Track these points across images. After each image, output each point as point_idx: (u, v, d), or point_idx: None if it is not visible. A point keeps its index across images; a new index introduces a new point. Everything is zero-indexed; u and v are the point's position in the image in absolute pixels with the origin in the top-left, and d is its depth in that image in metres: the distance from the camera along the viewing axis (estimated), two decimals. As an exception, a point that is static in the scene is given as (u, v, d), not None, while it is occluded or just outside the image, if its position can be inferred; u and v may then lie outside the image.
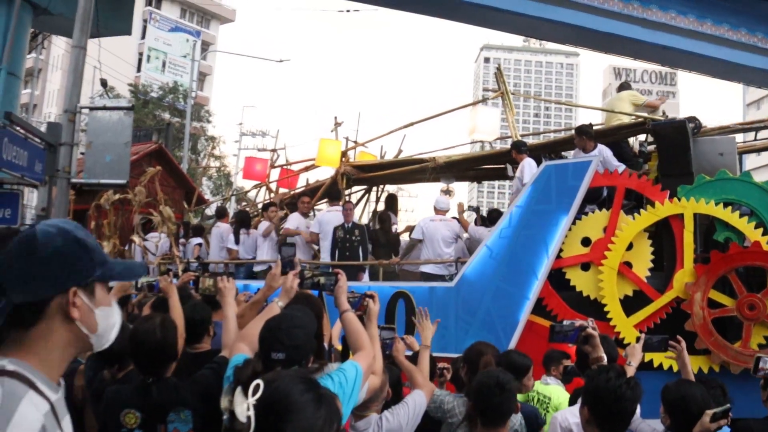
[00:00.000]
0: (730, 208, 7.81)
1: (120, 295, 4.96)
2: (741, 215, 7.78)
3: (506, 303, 8.44)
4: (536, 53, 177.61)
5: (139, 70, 55.14)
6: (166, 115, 40.02)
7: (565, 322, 4.03)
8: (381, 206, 12.33)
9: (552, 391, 6.28)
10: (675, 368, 7.51)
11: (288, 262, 4.41)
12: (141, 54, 56.58)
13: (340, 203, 10.56)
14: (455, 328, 8.71)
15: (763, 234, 7.62)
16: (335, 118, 11.39)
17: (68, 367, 4.37)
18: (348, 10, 28.79)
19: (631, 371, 4.19)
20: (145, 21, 56.53)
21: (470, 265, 8.79)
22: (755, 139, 10.07)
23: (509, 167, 9.88)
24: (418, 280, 9.97)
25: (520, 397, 5.57)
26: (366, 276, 10.22)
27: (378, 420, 3.84)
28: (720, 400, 4.36)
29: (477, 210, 11.60)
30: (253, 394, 2.04)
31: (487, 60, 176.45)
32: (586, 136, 9.12)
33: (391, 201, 11.84)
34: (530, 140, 11.10)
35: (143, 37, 56.29)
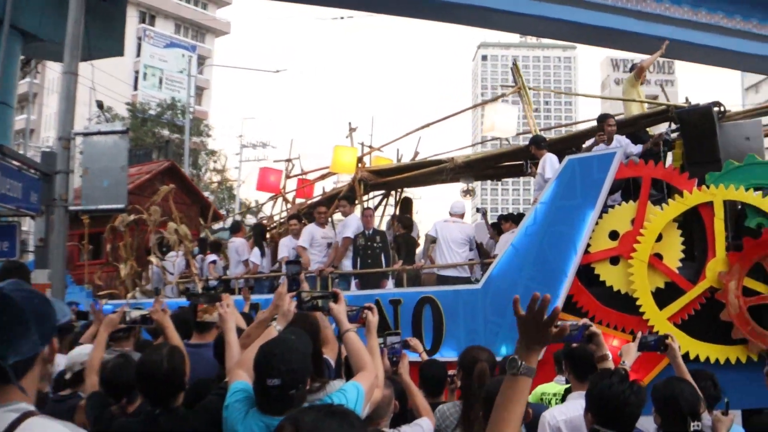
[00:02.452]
0: (760, 193, 7.85)
1: (110, 330, 4.92)
2: (773, 199, 7.82)
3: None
4: (533, 48, 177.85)
5: (135, 88, 55.33)
6: (166, 132, 40.14)
7: (568, 322, 4.07)
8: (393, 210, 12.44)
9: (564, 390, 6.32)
10: (701, 357, 7.65)
11: (293, 280, 4.51)
12: (137, 72, 56.77)
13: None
14: (484, 331, 8.75)
15: (795, 218, 7.66)
16: (349, 123, 11.52)
17: (68, 403, 4.50)
18: (342, 17, 28.90)
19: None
20: (139, 39, 56.77)
21: (496, 265, 8.86)
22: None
23: (527, 163, 9.96)
24: (434, 283, 10.05)
25: (531, 398, 5.63)
26: (390, 283, 10.30)
27: None
28: (711, 392, 4.50)
29: (484, 212, 11.67)
30: None
31: (484, 58, 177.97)
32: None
33: (407, 204, 11.93)
34: (551, 135, 11.16)
35: (138, 54, 56.56)
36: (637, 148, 9.13)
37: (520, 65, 11.38)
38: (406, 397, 4.80)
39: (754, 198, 7.83)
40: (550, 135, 11.00)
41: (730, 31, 22.17)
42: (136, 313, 5.17)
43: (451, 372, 5.67)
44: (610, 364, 3.83)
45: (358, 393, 3.35)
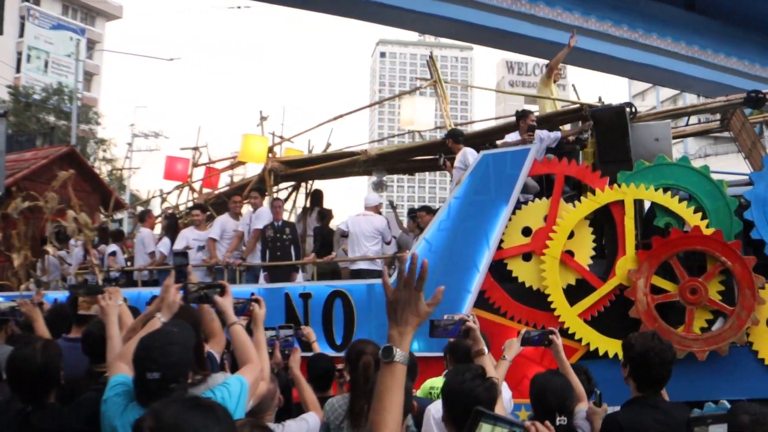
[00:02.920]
0: (669, 193, 8.03)
1: None
2: (680, 200, 8.01)
3: (447, 298, 8.25)
4: (431, 47, 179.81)
5: (18, 70, 52.30)
6: (52, 119, 38.40)
7: (445, 317, 4.06)
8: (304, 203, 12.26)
9: None
10: (610, 353, 7.76)
11: (180, 272, 4.50)
12: (20, 54, 53.49)
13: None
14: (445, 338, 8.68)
15: (702, 218, 7.86)
16: (260, 112, 11.24)
17: None
18: (239, 7, 28.48)
19: (504, 365, 4.25)
20: (22, 18, 53.58)
21: (409, 260, 8.77)
22: (687, 125, 10.40)
23: (442, 157, 9.92)
24: (348, 277, 9.94)
25: (420, 392, 5.61)
26: (300, 276, 10.11)
27: (275, 429, 3.94)
28: (585, 386, 4.60)
29: (392, 204, 11.63)
30: None
31: (383, 54, 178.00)
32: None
33: (318, 197, 11.75)
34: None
35: (21, 35, 53.49)
36: (556, 134, 9.21)
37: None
38: (289, 391, 4.86)
39: (663, 198, 8.00)
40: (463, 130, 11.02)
41: (618, 39, 23.11)
42: (5, 305, 4.98)
43: (340, 366, 5.68)
44: (487, 360, 3.80)
45: (241, 386, 3.29)
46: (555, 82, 10.18)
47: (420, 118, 9.99)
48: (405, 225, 11.15)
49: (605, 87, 10.38)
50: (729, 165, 12.94)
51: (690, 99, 36.56)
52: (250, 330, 4.05)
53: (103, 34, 62.35)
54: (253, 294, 9.29)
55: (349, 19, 18.10)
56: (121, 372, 3.36)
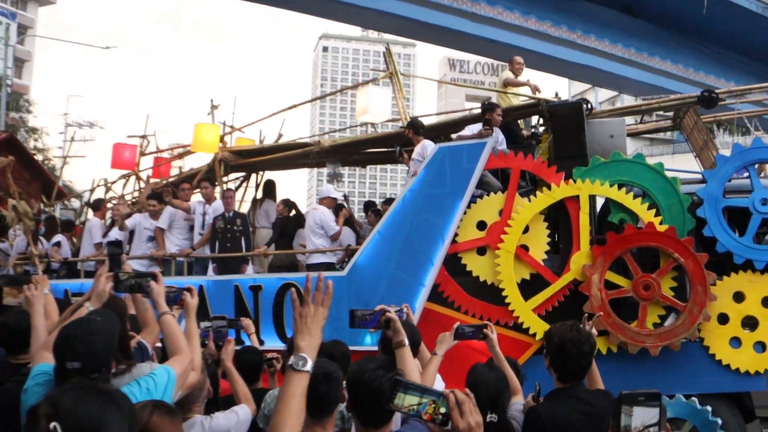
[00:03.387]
0: (624, 189, 8.09)
1: None
2: (634, 197, 8.07)
3: (401, 291, 8.36)
4: (374, 43, 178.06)
5: (-58, 55, 50.95)
6: (-22, 106, 37.17)
7: (366, 310, 3.99)
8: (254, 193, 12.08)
9: None
10: (614, 350, 7.82)
11: (114, 260, 4.45)
12: (-56, 37, 52.19)
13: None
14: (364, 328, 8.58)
15: (656, 215, 7.93)
16: (211, 101, 11.01)
17: None
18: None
19: (436, 360, 4.18)
20: (-51, 1, 52.27)
21: (362, 252, 8.70)
22: (641, 122, 10.50)
23: (399, 149, 9.84)
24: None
25: None
26: (250, 268, 9.94)
27: (203, 420, 3.91)
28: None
29: (345, 198, 11.51)
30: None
31: (325, 49, 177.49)
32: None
33: (270, 188, 11.58)
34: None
35: (-52, 18, 52.05)
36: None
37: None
38: (217, 382, 4.82)
39: (618, 194, 8.05)
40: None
41: (557, 39, 23.50)
42: None
43: (271, 355, 5.66)
44: (406, 352, 3.73)
45: (168, 377, 3.26)
46: (517, 76, 10.18)
47: (375, 108, 9.88)
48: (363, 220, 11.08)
49: (545, 87, 10.38)
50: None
51: (628, 101, 37.36)
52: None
53: (35, 19, 60.70)
54: (201, 287, 9.23)
55: (292, 12, 17.97)
56: (45, 361, 3.28)
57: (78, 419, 1.84)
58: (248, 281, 9.12)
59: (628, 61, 25.07)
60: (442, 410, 2.01)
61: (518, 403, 4.24)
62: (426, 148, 8.81)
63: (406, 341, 3.75)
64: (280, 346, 8.12)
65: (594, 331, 4.30)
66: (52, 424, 1.80)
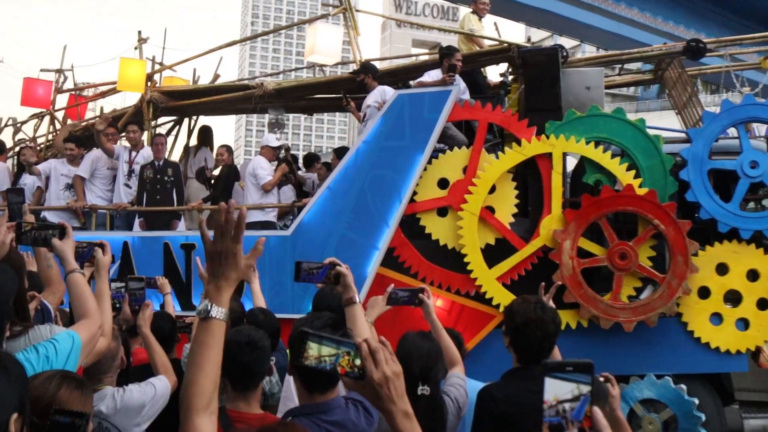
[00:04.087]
0: (601, 147, 7.41)
1: None
2: (612, 156, 7.40)
3: (352, 254, 7.61)
4: None
5: None
6: None
7: (313, 262, 3.51)
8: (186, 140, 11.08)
9: None
10: (585, 324, 7.20)
11: (14, 211, 4.26)
12: None
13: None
14: (293, 284, 7.78)
15: (636, 177, 7.28)
16: (139, 33, 9.87)
17: None
18: None
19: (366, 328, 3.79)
20: None
21: (309, 210, 7.88)
22: (619, 73, 9.80)
23: (345, 97, 8.95)
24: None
25: None
26: (182, 224, 9.01)
27: (115, 393, 3.68)
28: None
29: (287, 149, 10.62)
30: None
31: None
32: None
33: (206, 135, 10.59)
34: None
35: None
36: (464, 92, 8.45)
37: None
38: (129, 350, 4.64)
39: (595, 153, 7.39)
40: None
41: None
42: None
43: (190, 320, 5.28)
44: (358, 310, 3.40)
45: (73, 344, 3.00)
46: (480, 18, 9.32)
47: (324, 48, 8.91)
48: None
49: (502, 33, 9.57)
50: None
51: (589, 51, 36.82)
52: None
53: None
54: (125, 243, 8.31)
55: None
56: None
57: None
58: (180, 239, 8.22)
59: (591, 7, 24.30)
60: (357, 362, 1.80)
61: (456, 375, 3.96)
62: (386, 93, 7.97)
63: (357, 297, 3.41)
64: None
65: (551, 303, 4.17)
66: None
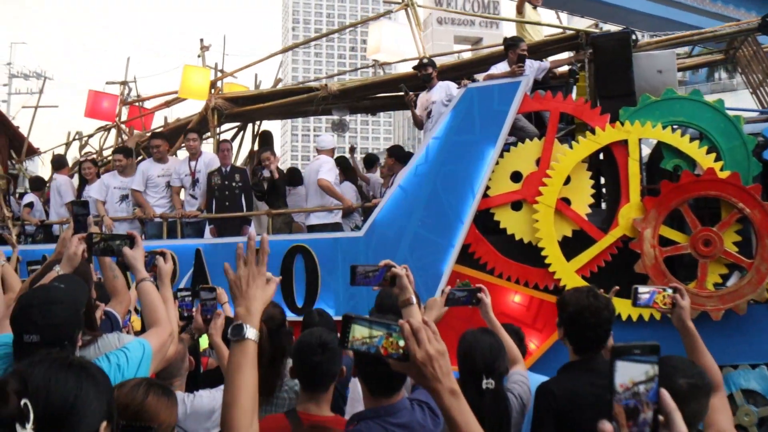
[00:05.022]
0: (679, 131, 7.27)
1: None
2: (691, 139, 7.25)
3: (427, 252, 7.60)
4: None
5: None
6: None
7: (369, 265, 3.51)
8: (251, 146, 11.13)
9: None
10: (657, 317, 7.03)
11: (79, 222, 4.29)
12: None
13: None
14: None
15: (716, 160, 7.11)
16: (201, 41, 9.97)
17: None
18: None
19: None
20: None
21: (381, 210, 7.87)
22: (690, 55, 9.62)
23: (403, 87, 8.80)
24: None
25: None
26: (252, 229, 9.06)
27: (185, 398, 3.71)
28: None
29: (352, 149, 10.65)
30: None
31: None
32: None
33: (267, 139, 10.64)
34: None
35: None
36: (543, 64, 8.36)
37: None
38: (197, 354, 4.73)
39: (672, 137, 7.23)
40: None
41: None
42: None
43: None
44: (416, 311, 3.35)
45: (143, 352, 3.07)
46: (535, 7, 9.21)
47: (389, 45, 8.87)
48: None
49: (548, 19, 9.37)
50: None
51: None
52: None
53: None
54: (198, 251, 8.40)
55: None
56: (6, 332, 3.04)
57: (50, 396, 1.69)
58: (255, 244, 8.25)
59: (635, -8, 23.94)
60: (401, 342, 1.82)
61: (518, 372, 4.00)
62: (450, 89, 7.92)
63: (414, 299, 3.36)
64: (291, 317, 7.35)
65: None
66: (23, 402, 1.64)
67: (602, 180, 8.33)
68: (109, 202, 9.54)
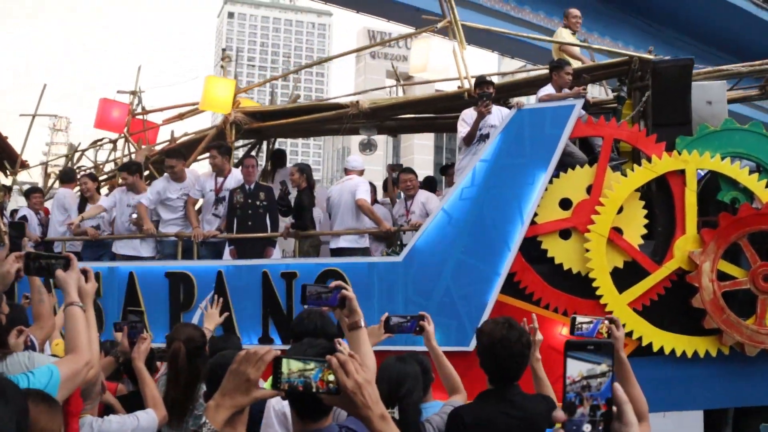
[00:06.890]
0: (738, 163, 7.19)
1: None
2: (750, 172, 7.18)
3: (471, 280, 7.35)
4: (286, 10, 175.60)
5: None
6: None
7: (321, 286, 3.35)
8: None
9: None
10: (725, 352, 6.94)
11: (14, 243, 4.28)
12: None
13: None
14: (404, 312, 7.50)
15: (776, 193, 7.05)
16: (223, 50, 9.67)
17: None
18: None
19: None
20: None
21: (422, 234, 7.60)
22: (732, 89, 9.59)
23: (484, 98, 8.43)
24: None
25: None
26: (277, 251, 8.70)
27: (93, 422, 3.69)
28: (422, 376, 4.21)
29: (392, 168, 10.32)
30: None
31: (231, 15, 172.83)
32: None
33: (281, 157, 10.33)
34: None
35: None
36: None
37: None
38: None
39: (732, 169, 7.16)
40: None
41: (489, 10, 23.32)
42: None
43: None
44: (363, 334, 3.28)
45: (50, 378, 2.96)
46: (574, 33, 9.11)
47: (436, 64, 8.66)
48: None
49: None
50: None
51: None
52: None
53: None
54: (219, 273, 8.01)
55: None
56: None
57: None
58: (280, 267, 7.91)
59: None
60: (331, 377, 1.96)
61: (451, 403, 4.06)
62: (502, 112, 7.74)
63: (363, 322, 3.26)
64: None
65: (539, 336, 4.34)
66: None
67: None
68: (119, 220, 9.09)
